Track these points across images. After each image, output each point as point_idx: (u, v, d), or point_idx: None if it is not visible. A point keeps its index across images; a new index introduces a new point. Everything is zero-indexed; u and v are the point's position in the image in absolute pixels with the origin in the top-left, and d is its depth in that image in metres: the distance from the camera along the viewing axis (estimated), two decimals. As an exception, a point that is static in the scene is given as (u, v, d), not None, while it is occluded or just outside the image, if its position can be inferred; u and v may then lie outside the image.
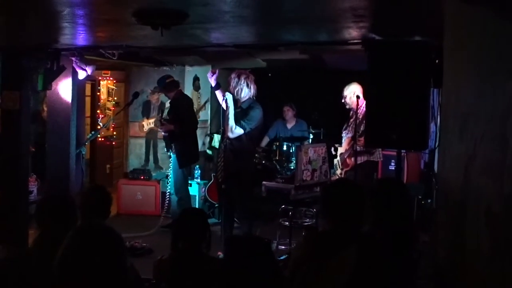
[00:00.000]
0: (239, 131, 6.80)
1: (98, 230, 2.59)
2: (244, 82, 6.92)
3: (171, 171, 8.65)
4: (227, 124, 6.78)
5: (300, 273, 3.42)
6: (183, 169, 8.49)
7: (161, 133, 8.87)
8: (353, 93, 7.35)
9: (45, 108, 8.82)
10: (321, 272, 3.31)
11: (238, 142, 6.90)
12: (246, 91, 6.93)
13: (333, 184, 4.22)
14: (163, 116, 8.68)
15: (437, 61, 5.31)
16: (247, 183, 7.22)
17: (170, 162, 8.72)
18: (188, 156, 8.49)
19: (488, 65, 2.79)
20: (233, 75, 7.04)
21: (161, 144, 9.53)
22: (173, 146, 8.37)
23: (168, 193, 8.94)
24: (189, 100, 8.92)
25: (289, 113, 10.37)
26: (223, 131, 6.86)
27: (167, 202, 8.98)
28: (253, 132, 7.03)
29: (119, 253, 2.55)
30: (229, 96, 6.82)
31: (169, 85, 8.50)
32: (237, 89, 6.92)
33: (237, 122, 6.79)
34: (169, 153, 8.62)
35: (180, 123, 8.28)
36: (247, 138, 6.93)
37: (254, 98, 7.04)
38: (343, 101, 7.59)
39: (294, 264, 3.55)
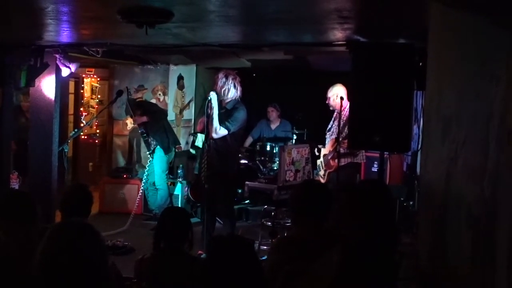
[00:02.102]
0: (223, 132, 6.78)
1: (78, 228, 2.58)
2: (231, 83, 6.90)
3: (149, 167, 9.11)
4: (211, 125, 6.75)
5: (281, 276, 3.42)
6: (162, 163, 8.98)
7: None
8: (336, 95, 7.37)
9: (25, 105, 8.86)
10: (303, 275, 3.32)
11: (223, 142, 6.88)
12: (233, 92, 6.92)
13: (301, 186, 4.22)
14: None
15: (420, 63, 5.34)
16: (231, 183, 7.22)
17: (151, 159, 8.91)
18: (168, 140, 9.16)
19: (471, 68, 2.81)
20: (220, 75, 7.01)
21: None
22: (152, 138, 9.01)
23: (142, 190, 9.26)
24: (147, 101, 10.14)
25: (273, 113, 10.38)
26: (207, 131, 6.84)
27: (140, 197, 9.31)
28: (238, 132, 7.02)
29: (99, 250, 2.54)
30: (213, 96, 6.78)
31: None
32: (224, 89, 6.89)
33: (221, 122, 6.77)
34: (149, 154, 8.96)
35: (150, 113, 9.08)
36: (231, 138, 6.92)
37: (239, 99, 7.02)
38: (327, 102, 7.61)
39: (272, 268, 3.55)
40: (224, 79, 6.92)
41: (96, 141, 11.80)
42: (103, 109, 10.30)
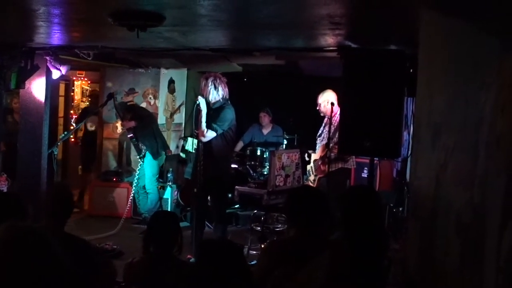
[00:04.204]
0: (211, 134, 6.76)
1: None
2: (211, 85, 6.88)
3: (139, 171, 9.06)
4: (200, 128, 6.76)
5: (271, 280, 3.42)
6: (153, 167, 8.97)
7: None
8: (327, 101, 7.36)
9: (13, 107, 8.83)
10: (292, 280, 3.31)
11: (215, 146, 6.87)
12: (214, 94, 6.88)
13: (296, 191, 4.23)
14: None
15: (411, 70, 5.35)
16: (224, 188, 7.20)
17: (141, 163, 8.88)
18: (157, 145, 9.07)
19: (461, 75, 2.82)
20: (202, 78, 7.03)
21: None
22: (142, 143, 8.92)
23: (132, 194, 9.19)
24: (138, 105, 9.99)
25: (265, 119, 10.35)
26: (197, 135, 6.85)
27: (131, 200, 9.23)
28: (230, 135, 6.99)
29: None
30: (201, 100, 6.78)
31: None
32: (205, 91, 6.89)
33: (209, 125, 6.77)
34: (139, 158, 8.94)
35: (139, 118, 9.01)
36: (223, 142, 6.90)
37: (227, 100, 7.00)
38: (317, 108, 7.62)
39: (262, 272, 3.54)
40: (204, 82, 6.91)
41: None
42: (93, 112, 10.26)
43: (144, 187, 9.09)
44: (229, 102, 7.02)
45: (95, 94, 10.83)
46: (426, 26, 3.92)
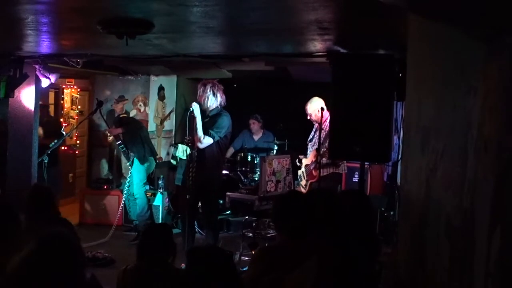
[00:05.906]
0: (208, 140, 6.78)
1: (60, 242, 2.55)
2: (210, 91, 6.92)
3: (129, 177, 9.01)
4: (196, 135, 6.76)
5: (261, 287, 3.42)
6: (140, 172, 8.95)
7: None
8: (317, 110, 7.36)
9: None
10: (282, 286, 3.31)
11: (209, 152, 6.87)
12: (212, 100, 6.92)
13: (283, 197, 4.23)
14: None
15: (400, 74, 5.37)
16: (215, 194, 7.20)
17: (131, 170, 8.87)
18: (144, 150, 9.03)
19: (449, 80, 2.83)
20: (199, 85, 7.06)
21: (125, 154, 9.52)
22: (130, 150, 8.89)
23: (123, 202, 9.18)
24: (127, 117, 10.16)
25: (255, 125, 10.36)
26: (192, 142, 6.85)
27: (121, 208, 9.24)
28: (224, 143, 7.02)
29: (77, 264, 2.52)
30: (195, 106, 6.79)
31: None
32: (203, 98, 6.91)
33: (206, 131, 6.78)
34: (129, 165, 8.89)
35: (126, 125, 9.05)
36: (217, 149, 6.92)
37: (223, 107, 7.04)
38: (308, 118, 7.62)
39: (252, 279, 3.54)
40: (202, 88, 6.95)
41: (76, 152, 11.70)
42: (83, 120, 10.25)
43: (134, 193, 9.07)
44: (224, 109, 7.05)
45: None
46: (413, 31, 3.94)
